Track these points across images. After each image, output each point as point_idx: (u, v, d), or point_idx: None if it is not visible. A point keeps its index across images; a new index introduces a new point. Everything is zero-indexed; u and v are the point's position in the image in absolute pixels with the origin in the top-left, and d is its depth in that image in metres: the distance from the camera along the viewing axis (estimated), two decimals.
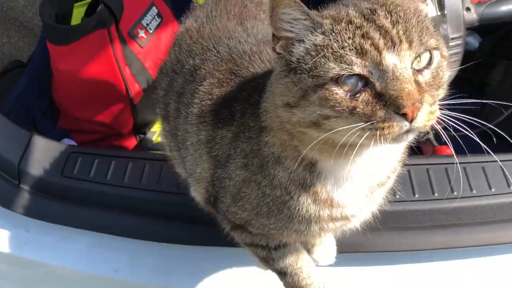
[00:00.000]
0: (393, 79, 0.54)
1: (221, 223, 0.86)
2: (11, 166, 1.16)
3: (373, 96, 0.55)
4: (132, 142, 1.46)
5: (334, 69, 0.54)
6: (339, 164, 0.64)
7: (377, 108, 0.55)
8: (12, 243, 1.13)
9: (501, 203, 1.06)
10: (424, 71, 0.58)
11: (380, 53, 0.54)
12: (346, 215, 0.70)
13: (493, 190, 1.07)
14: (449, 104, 1.64)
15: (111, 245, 1.10)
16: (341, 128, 0.55)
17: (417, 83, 0.56)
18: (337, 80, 0.55)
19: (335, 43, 0.55)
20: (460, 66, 1.32)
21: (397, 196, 1.07)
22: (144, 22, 1.36)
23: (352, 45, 0.54)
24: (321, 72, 0.55)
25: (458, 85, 1.59)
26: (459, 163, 1.13)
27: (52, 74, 1.44)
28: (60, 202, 1.14)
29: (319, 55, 0.55)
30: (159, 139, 1.45)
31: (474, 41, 1.61)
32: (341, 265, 1.04)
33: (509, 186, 1.08)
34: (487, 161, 1.12)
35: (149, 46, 1.38)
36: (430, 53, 0.58)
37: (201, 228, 1.07)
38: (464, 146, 1.48)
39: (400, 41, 0.55)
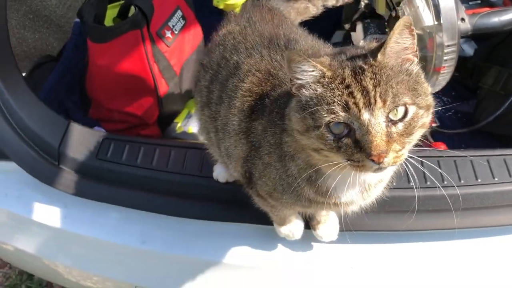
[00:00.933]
0: (366, 132, 0.70)
1: (250, 192, 1.02)
2: (52, 149, 1.29)
3: (353, 141, 0.71)
4: (156, 132, 1.60)
5: (326, 117, 0.71)
6: (338, 173, 0.80)
7: (355, 151, 0.71)
8: (52, 217, 1.27)
9: (486, 192, 1.18)
10: (398, 123, 0.71)
11: (359, 110, 0.70)
12: (338, 202, 0.87)
13: (479, 180, 1.20)
14: (447, 105, 1.79)
15: (139, 220, 1.24)
16: (331, 159, 0.73)
17: (388, 134, 0.70)
18: (329, 125, 0.71)
19: (329, 97, 0.71)
20: (455, 70, 1.45)
21: (394, 184, 1.21)
22: (170, 24, 1.51)
23: (340, 101, 0.70)
24: (318, 117, 0.72)
25: (454, 88, 1.74)
26: (450, 156, 1.26)
27: (84, 68, 1.58)
28: (95, 182, 1.26)
29: (318, 104, 0.71)
30: (182, 129, 1.59)
31: (470, 48, 1.74)
32: (342, 242, 1.18)
33: (493, 177, 1.21)
34: (475, 156, 1.25)
35: (174, 45, 1.52)
36: (405, 108, 0.71)
37: (219, 206, 1.21)
38: (457, 143, 1.63)
39: (375, 101, 0.69)
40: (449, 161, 1.25)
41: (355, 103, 0.69)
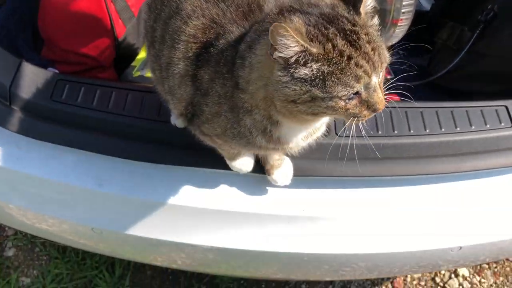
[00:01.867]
0: (374, 92, 0.76)
1: (193, 131, 1.04)
2: (2, 88, 1.25)
3: (360, 101, 0.77)
4: (113, 75, 1.56)
5: (341, 91, 0.73)
6: (296, 126, 0.87)
7: (362, 109, 0.78)
8: (5, 158, 1.24)
9: (433, 141, 1.25)
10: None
11: (369, 77, 0.74)
12: (286, 147, 0.94)
13: (427, 131, 1.25)
14: (402, 59, 1.84)
15: (96, 163, 1.23)
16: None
17: (381, 87, 0.77)
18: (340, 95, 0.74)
19: (337, 72, 0.73)
20: (412, 24, 1.48)
21: (347, 132, 1.25)
22: None
23: (350, 74, 0.73)
24: (330, 90, 0.73)
25: (410, 41, 1.78)
26: (401, 107, 1.31)
27: (35, 6, 1.51)
28: (49, 123, 1.23)
29: (328, 80, 0.73)
30: (138, 73, 1.57)
31: (427, 3, 1.78)
32: (295, 187, 1.23)
33: (441, 128, 1.27)
34: (425, 107, 1.31)
35: None
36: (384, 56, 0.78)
37: (177, 150, 1.21)
38: (412, 96, 1.69)
39: (380, 65, 0.75)
40: (400, 112, 1.30)
41: (365, 72, 0.74)
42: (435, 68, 1.64)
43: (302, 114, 0.78)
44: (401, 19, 1.41)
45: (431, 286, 1.98)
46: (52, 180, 1.23)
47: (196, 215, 1.23)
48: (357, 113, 0.78)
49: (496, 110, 1.30)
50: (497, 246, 1.35)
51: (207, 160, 1.20)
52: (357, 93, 0.76)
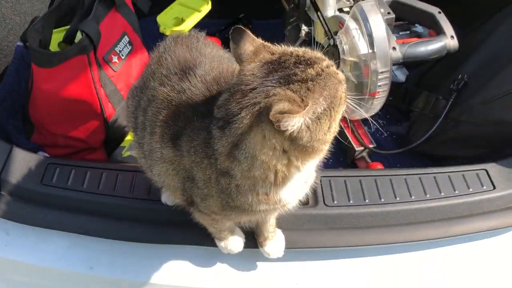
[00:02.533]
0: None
1: (192, 212, 1.04)
2: None
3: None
4: (102, 156, 1.59)
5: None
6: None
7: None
8: None
9: (419, 208, 1.27)
10: None
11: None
12: (286, 204, 0.92)
13: (413, 197, 1.28)
14: (382, 128, 1.90)
15: (86, 245, 1.22)
16: None
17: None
18: None
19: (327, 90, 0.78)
20: (389, 95, 1.56)
21: (335, 202, 1.28)
22: (117, 49, 1.52)
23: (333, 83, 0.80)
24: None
25: (388, 111, 1.86)
26: (386, 175, 1.35)
27: (26, 93, 1.56)
28: (39, 208, 1.23)
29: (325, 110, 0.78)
30: (128, 153, 1.59)
31: (402, 75, 1.88)
32: (286, 260, 1.23)
33: (425, 194, 1.30)
34: (408, 174, 1.35)
35: (121, 70, 1.53)
36: None
37: (169, 229, 1.21)
38: (392, 163, 1.73)
39: None
40: (385, 179, 1.34)
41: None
42: (414, 135, 1.70)
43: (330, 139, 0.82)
44: (378, 92, 1.48)
45: None
46: (41, 266, 1.22)
47: None
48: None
49: (477, 174, 1.35)
50: None
51: (199, 238, 1.20)
52: None
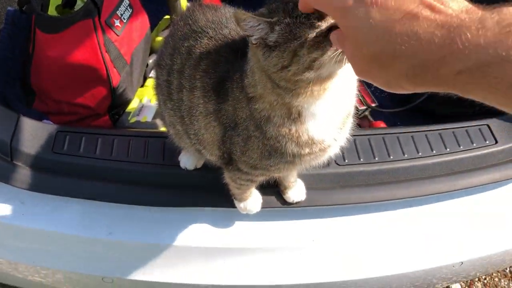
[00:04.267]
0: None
1: (230, 170, 1.05)
2: (3, 145, 1.24)
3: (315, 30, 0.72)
4: (107, 122, 1.57)
5: (308, 32, 0.70)
6: (318, 104, 0.82)
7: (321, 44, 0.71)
8: (9, 213, 1.23)
9: (427, 163, 1.31)
10: None
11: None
12: (324, 147, 0.91)
13: (420, 153, 1.32)
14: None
15: (104, 211, 1.23)
16: (325, 61, 0.73)
17: None
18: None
19: (298, 19, 0.71)
20: None
21: (346, 161, 1.31)
22: (118, 13, 1.48)
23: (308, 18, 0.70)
24: (299, 35, 0.71)
25: None
26: (393, 133, 1.38)
27: (23, 58, 1.52)
28: (53, 176, 1.23)
29: (293, 28, 0.71)
30: (134, 119, 1.58)
31: None
32: (302, 218, 1.27)
33: (432, 150, 1.34)
34: (415, 131, 1.38)
35: (123, 34, 1.50)
36: None
37: (184, 192, 1.23)
38: (393, 121, 1.76)
39: None
40: (393, 137, 1.37)
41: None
42: (415, 94, 1.72)
43: (300, 76, 0.76)
44: None
45: None
46: (60, 233, 1.22)
47: (209, 255, 1.24)
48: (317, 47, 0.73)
49: (480, 129, 1.39)
50: (489, 259, 1.42)
51: (216, 200, 1.22)
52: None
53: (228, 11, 1.03)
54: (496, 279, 2.14)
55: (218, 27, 0.98)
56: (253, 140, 0.92)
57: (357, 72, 0.60)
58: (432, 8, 0.53)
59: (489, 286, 2.12)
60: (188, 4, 1.15)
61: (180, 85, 0.99)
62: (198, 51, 0.97)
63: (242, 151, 0.95)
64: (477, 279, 2.12)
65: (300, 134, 0.87)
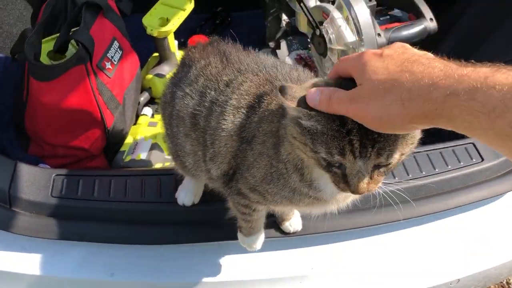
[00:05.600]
0: (355, 175, 0.74)
1: (229, 191, 1.05)
2: (1, 192, 1.25)
3: (342, 174, 0.76)
4: (103, 163, 1.60)
5: (323, 154, 0.74)
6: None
7: (341, 181, 0.76)
8: (11, 261, 1.24)
9: (417, 185, 1.33)
10: (381, 167, 0.75)
11: (354, 158, 0.72)
12: (319, 197, 0.92)
13: (410, 175, 1.34)
14: None
15: (105, 253, 1.24)
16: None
17: (371, 176, 0.75)
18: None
19: (329, 137, 0.72)
20: None
21: None
22: (109, 55, 1.52)
23: (338, 146, 0.72)
24: (316, 147, 0.74)
25: None
26: None
27: (19, 105, 1.55)
28: (52, 220, 1.24)
29: (317, 139, 0.74)
30: (129, 158, 1.60)
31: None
32: (300, 246, 1.29)
33: (421, 171, 1.37)
34: (417, 152, 1.42)
35: (115, 76, 1.54)
36: (390, 156, 0.74)
37: (183, 229, 1.25)
38: None
39: (371, 156, 0.72)
40: None
41: (352, 152, 0.72)
42: None
43: (299, 152, 0.81)
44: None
45: None
46: (62, 278, 1.23)
47: None
48: (336, 181, 0.77)
49: (466, 148, 1.43)
50: (486, 273, 1.45)
51: (215, 235, 1.24)
52: (340, 165, 0.75)
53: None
54: None
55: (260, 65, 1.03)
56: (264, 157, 0.93)
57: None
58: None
59: None
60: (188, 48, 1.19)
61: (209, 112, 1.02)
62: (240, 79, 1.01)
63: (249, 166, 0.96)
64: None
65: (305, 174, 0.88)
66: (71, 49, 1.46)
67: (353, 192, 0.76)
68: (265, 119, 0.93)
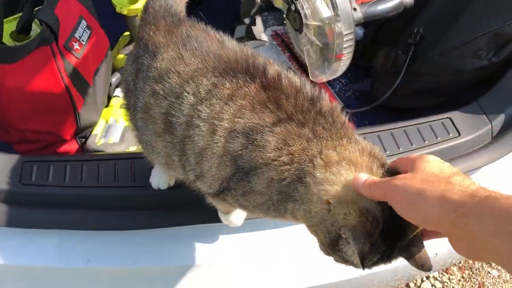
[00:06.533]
0: None
1: (213, 199, 1.00)
2: None
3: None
4: (75, 147, 1.55)
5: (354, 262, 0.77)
6: None
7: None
8: None
9: None
10: None
11: None
12: None
13: (387, 152, 1.33)
14: (346, 86, 1.95)
15: (78, 240, 1.21)
16: None
17: None
18: None
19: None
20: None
21: None
22: (77, 35, 1.46)
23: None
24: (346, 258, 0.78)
25: (349, 69, 1.92)
26: (359, 134, 1.40)
27: None
28: (23, 208, 1.20)
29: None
30: (101, 141, 1.56)
31: (359, 31, 1.92)
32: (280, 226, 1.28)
33: (399, 147, 1.38)
34: (380, 130, 1.41)
35: (83, 56, 1.47)
36: None
37: (159, 213, 1.22)
38: (359, 120, 1.80)
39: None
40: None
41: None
42: (377, 90, 1.77)
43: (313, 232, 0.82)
44: (343, 54, 1.52)
45: None
46: (35, 266, 1.20)
47: (180, 273, 1.24)
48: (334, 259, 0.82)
49: (443, 123, 1.43)
50: None
51: (191, 218, 1.22)
52: None
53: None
54: (470, 262, 2.21)
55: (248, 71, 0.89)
56: (264, 197, 0.86)
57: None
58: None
59: (464, 269, 2.19)
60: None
61: (190, 123, 0.91)
62: (228, 92, 0.88)
63: (244, 193, 0.88)
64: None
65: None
66: (36, 30, 1.40)
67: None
68: (272, 165, 0.83)
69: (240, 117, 0.86)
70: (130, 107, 1.06)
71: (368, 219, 0.72)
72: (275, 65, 0.94)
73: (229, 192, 0.91)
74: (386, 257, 0.75)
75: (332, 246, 0.78)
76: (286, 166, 0.82)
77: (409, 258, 0.77)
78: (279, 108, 0.85)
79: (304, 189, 0.80)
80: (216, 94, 0.89)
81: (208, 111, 0.89)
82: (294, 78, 0.91)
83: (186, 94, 0.92)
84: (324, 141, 0.81)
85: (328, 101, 0.89)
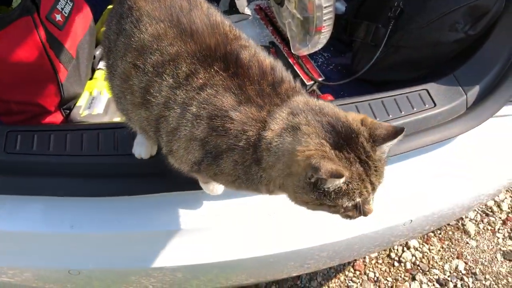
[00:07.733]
0: (367, 204, 0.90)
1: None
2: None
3: (353, 205, 0.88)
4: (59, 118, 1.57)
5: (345, 203, 0.86)
6: None
7: (355, 214, 0.90)
8: None
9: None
10: None
11: (369, 195, 0.87)
12: None
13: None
14: (328, 60, 1.97)
15: (63, 206, 1.25)
16: None
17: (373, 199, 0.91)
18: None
19: (350, 189, 0.84)
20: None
21: None
22: (59, 7, 1.47)
23: (357, 191, 0.85)
24: (338, 202, 0.86)
25: (332, 43, 1.94)
26: (339, 105, 1.44)
27: None
28: (8, 176, 1.23)
29: (339, 194, 0.84)
30: (85, 113, 1.58)
31: (341, 6, 1.94)
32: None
33: (376, 118, 1.40)
34: (359, 101, 1.45)
35: (66, 28, 1.49)
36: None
37: (139, 180, 1.26)
38: (339, 92, 1.83)
39: (376, 187, 0.89)
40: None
41: (367, 191, 0.87)
42: (358, 64, 1.80)
43: (306, 206, 0.90)
44: (323, 26, 1.54)
45: (388, 262, 2.15)
46: (21, 232, 1.23)
47: (163, 238, 1.28)
48: (350, 216, 0.91)
49: (419, 94, 1.47)
50: (439, 214, 1.52)
51: (173, 185, 1.26)
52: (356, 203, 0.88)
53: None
54: (450, 233, 2.28)
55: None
56: (233, 178, 0.94)
57: None
58: None
59: (444, 240, 2.26)
60: None
61: (166, 105, 0.95)
62: (201, 81, 0.92)
63: (215, 174, 0.96)
64: (432, 234, 2.25)
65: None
66: (18, 1, 1.41)
67: (367, 214, 0.91)
68: (235, 150, 0.90)
69: (206, 103, 0.90)
70: (109, 67, 1.10)
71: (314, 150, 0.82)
72: (252, 47, 0.98)
73: (201, 172, 0.98)
74: (362, 160, 0.85)
75: (316, 198, 0.85)
76: (246, 150, 0.89)
77: (383, 141, 0.87)
78: (242, 94, 0.91)
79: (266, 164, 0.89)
80: (190, 82, 0.93)
81: (184, 96, 0.93)
82: (266, 61, 0.96)
83: (165, 76, 0.94)
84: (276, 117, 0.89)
85: (291, 82, 0.96)
